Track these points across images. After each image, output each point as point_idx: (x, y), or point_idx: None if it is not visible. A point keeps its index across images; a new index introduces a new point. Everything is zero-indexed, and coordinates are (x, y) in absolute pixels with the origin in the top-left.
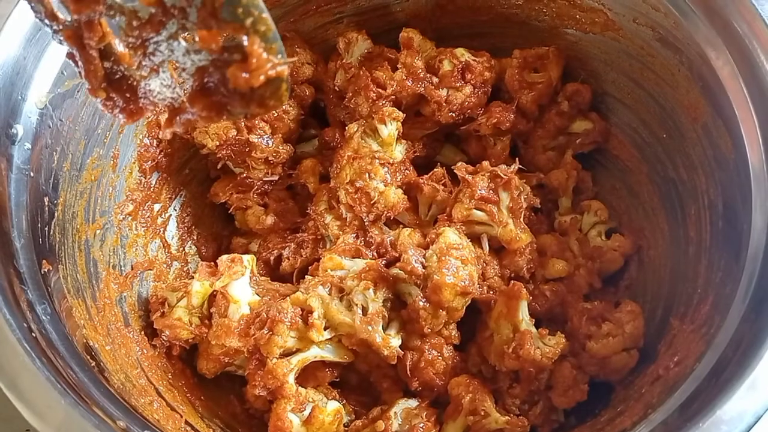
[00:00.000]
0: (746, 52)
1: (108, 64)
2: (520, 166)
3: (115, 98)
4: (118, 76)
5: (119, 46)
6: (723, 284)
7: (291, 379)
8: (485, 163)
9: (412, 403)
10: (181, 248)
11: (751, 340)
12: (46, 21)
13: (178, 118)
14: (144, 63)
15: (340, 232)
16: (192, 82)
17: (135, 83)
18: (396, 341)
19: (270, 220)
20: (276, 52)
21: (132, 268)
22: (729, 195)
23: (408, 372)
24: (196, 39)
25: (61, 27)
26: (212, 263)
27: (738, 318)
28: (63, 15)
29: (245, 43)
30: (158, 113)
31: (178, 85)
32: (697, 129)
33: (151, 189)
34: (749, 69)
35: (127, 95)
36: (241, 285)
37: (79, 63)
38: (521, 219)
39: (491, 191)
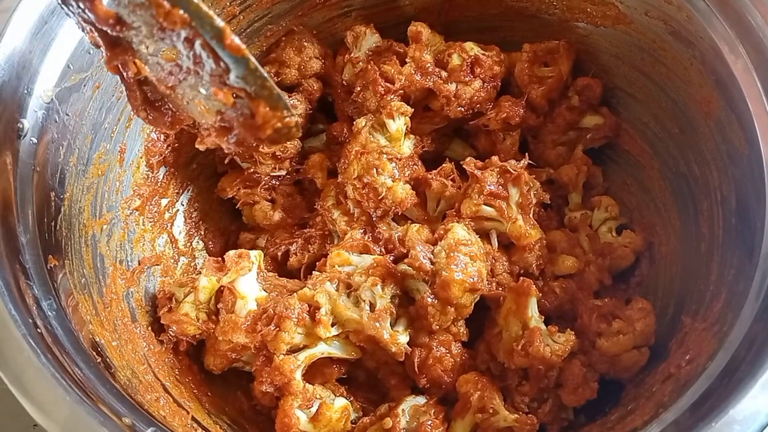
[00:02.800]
0: (760, 45)
1: (147, 88)
2: (530, 162)
3: (155, 116)
4: (157, 97)
5: (154, 78)
6: (736, 281)
7: (298, 375)
8: (494, 159)
9: (420, 400)
10: (189, 243)
11: (765, 339)
12: (95, 47)
13: (208, 139)
14: (176, 93)
15: (348, 228)
16: (215, 119)
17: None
18: (404, 338)
19: (277, 215)
20: (281, 108)
21: (139, 264)
22: (742, 191)
23: (416, 369)
24: (211, 92)
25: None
26: (219, 258)
27: (751, 316)
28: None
29: (251, 104)
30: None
31: (207, 115)
32: (709, 124)
33: (159, 184)
34: (763, 63)
35: (165, 111)
36: (248, 280)
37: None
38: (531, 215)
39: (500, 187)
